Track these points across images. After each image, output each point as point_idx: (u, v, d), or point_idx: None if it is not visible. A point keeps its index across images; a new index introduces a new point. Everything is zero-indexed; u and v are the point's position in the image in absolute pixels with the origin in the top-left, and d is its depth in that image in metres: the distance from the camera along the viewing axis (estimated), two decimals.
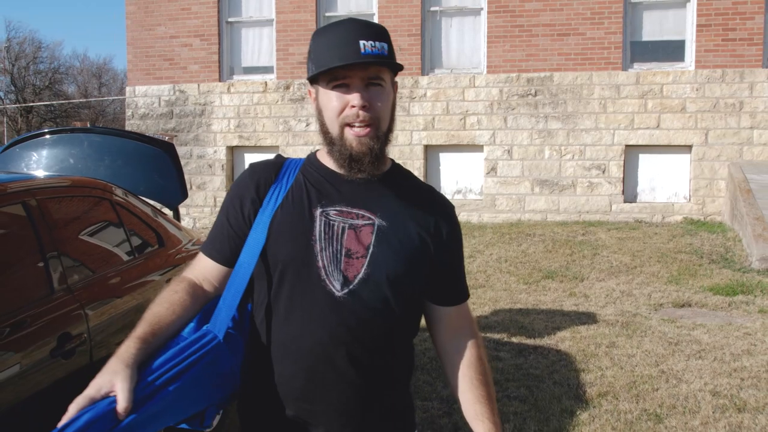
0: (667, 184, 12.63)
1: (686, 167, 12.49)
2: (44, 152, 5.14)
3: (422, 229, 1.86)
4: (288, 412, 1.83)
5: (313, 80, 1.81)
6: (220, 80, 14.25)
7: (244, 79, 14.26)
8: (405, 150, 13.31)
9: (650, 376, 5.41)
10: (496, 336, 6.53)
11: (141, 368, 1.62)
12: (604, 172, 12.61)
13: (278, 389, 1.82)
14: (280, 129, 13.83)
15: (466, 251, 9.91)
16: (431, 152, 13.41)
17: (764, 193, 10.54)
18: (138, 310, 3.68)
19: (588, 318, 7.15)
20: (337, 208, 1.82)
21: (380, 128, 1.79)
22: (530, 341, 6.37)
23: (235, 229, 1.86)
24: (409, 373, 1.97)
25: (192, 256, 4.45)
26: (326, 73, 1.74)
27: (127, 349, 1.63)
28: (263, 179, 1.88)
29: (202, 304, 1.86)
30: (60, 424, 1.48)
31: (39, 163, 5.10)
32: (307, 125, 13.69)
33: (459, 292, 1.95)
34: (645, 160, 12.68)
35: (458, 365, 1.89)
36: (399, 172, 1.95)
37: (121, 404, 1.53)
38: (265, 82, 13.95)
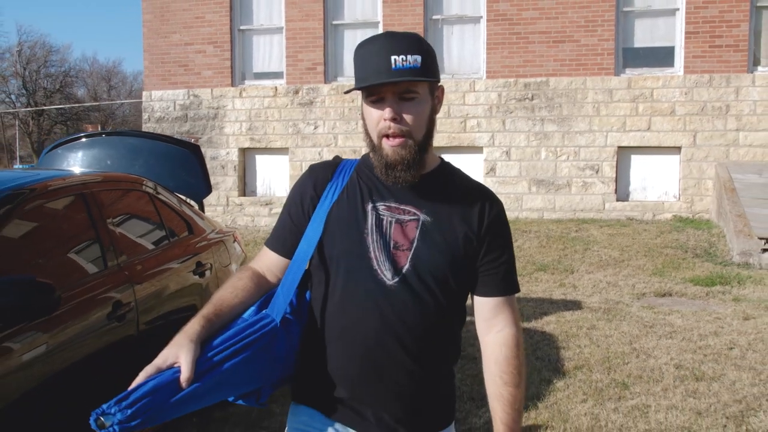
0: (657, 183, 13.21)
1: (676, 167, 13.07)
2: (84, 153, 5.80)
3: (466, 225, 1.94)
4: (341, 394, 1.93)
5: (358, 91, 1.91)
6: (232, 85, 14.88)
7: (255, 84, 14.88)
8: None
9: (623, 352, 6.04)
10: None
11: (204, 344, 1.77)
12: (597, 172, 13.20)
13: (333, 373, 1.93)
14: (290, 132, 14.46)
15: None
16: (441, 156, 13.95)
17: (747, 191, 11.12)
18: (172, 286, 4.36)
19: (574, 305, 7.78)
20: (386, 204, 1.93)
21: (414, 138, 1.87)
22: None
23: (296, 224, 2.01)
24: (455, 361, 2.07)
25: (216, 243, 5.14)
26: (364, 88, 1.86)
27: (193, 326, 1.79)
28: (321, 177, 2.02)
29: (264, 291, 2.00)
30: (130, 388, 1.64)
31: (80, 163, 5.76)
32: (315, 128, 14.33)
33: (501, 286, 1.99)
34: (636, 161, 13.25)
35: (489, 361, 1.97)
36: (447, 170, 2.04)
37: (184, 374, 1.67)
38: (275, 87, 14.57)
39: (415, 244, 1.89)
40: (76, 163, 5.76)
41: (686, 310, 7.54)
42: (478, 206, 1.96)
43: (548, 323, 7.01)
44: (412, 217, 1.92)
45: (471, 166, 13.79)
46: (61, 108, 62.66)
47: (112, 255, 3.90)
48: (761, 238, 9.80)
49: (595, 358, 5.90)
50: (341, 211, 1.95)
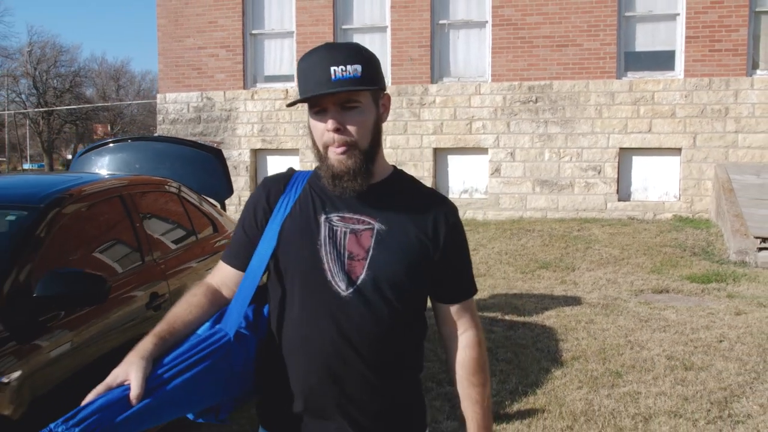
0: (658, 184, 13.57)
1: (676, 168, 13.43)
2: (113, 157, 6.22)
3: (421, 231, 1.94)
4: (303, 407, 1.92)
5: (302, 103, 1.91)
6: (244, 88, 15.30)
7: (266, 87, 15.29)
8: (415, 153, 14.33)
9: (618, 344, 6.41)
10: (491, 315, 7.54)
11: (156, 361, 1.76)
12: (599, 173, 13.57)
13: (293, 386, 1.91)
14: (300, 133, 14.86)
15: (471, 246, 10.78)
16: (440, 155, 14.38)
17: (745, 192, 11.47)
18: (200, 279, 4.75)
19: (574, 301, 8.15)
20: (340, 215, 1.93)
21: (359, 147, 1.87)
22: (520, 319, 7.38)
23: (250, 237, 2.00)
24: (418, 371, 2.05)
25: None
26: (306, 100, 1.85)
27: (144, 344, 1.78)
28: (273, 190, 2.02)
29: (219, 306, 1.98)
30: (79, 406, 1.64)
31: (109, 166, 6.17)
32: None
33: (460, 290, 2.02)
34: (638, 162, 13.61)
35: (454, 364, 2.00)
36: (400, 177, 2.04)
37: (134, 391, 1.67)
38: (286, 90, 14.96)
39: (370, 253, 1.89)
40: (106, 166, 6.17)
41: (681, 305, 7.90)
42: (432, 212, 1.97)
43: (548, 317, 7.38)
44: (367, 227, 1.92)
45: (476, 168, 14.20)
46: (71, 108, 62.96)
47: (148, 251, 4.31)
48: (757, 237, 10.15)
49: (592, 349, 6.27)
50: (294, 224, 1.94)
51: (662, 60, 13.57)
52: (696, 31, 13.13)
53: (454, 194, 14.21)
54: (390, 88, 14.26)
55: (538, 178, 13.84)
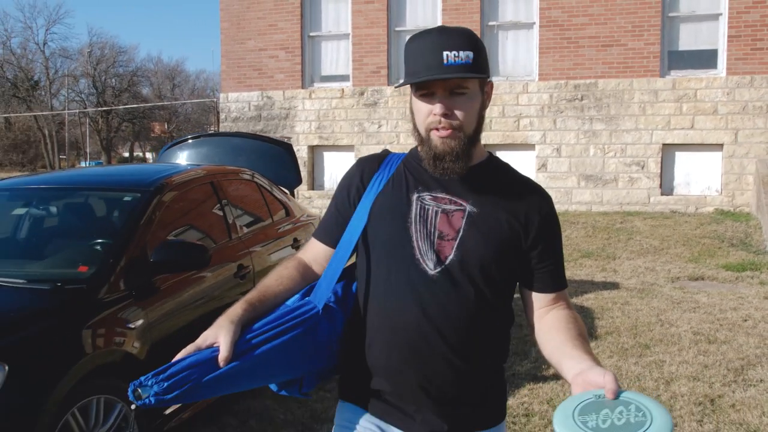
0: (700, 178, 14.01)
1: (718, 163, 13.85)
2: (194, 151, 7.01)
3: (513, 217, 1.90)
4: (384, 387, 1.92)
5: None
6: (302, 87, 16.14)
7: (323, 87, 16.10)
8: None
9: (649, 322, 7.00)
10: None
11: (245, 327, 1.80)
12: (643, 168, 14.06)
13: (376, 363, 1.92)
14: (355, 130, 15.61)
15: None
16: (489, 151, 14.96)
17: None
18: (277, 255, 5.51)
19: (612, 286, 8.73)
20: (432, 194, 1.92)
21: (464, 131, 1.85)
22: None
23: (342, 214, 2.02)
24: (502, 358, 2.03)
25: (306, 224, 6.28)
26: (414, 83, 1.84)
27: (235, 309, 1.82)
28: (367, 168, 2.03)
29: (309, 281, 2.01)
30: (170, 362, 1.69)
31: (191, 159, 6.97)
32: (379, 127, 15.46)
33: (553, 280, 1.95)
34: (680, 158, 14.06)
35: (550, 330, 1.88)
36: (495, 163, 2.02)
37: (222, 353, 1.70)
38: (342, 89, 15.75)
39: (460, 234, 1.88)
40: (187, 159, 6.97)
41: (714, 291, 8.42)
42: (526, 200, 1.94)
43: (587, 299, 7.98)
44: (458, 208, 1.90)
45: (523, 163, 14.75)
46: (129, 107, 64.46)
47: (234, 229, 5.08)
48: None
49: (625, 326, 6.87)
50: (386, 201, 1.95)
51: (705, 58, 14.00)
52: (738, 30, 13.53)
53: None
54: None
55: (583, 173, 14.38)
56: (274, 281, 1.97)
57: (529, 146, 14.78)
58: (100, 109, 62.81)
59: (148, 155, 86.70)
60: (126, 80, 69.80)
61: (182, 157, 6.95)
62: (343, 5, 15.88)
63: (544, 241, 1.93)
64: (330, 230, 2.05)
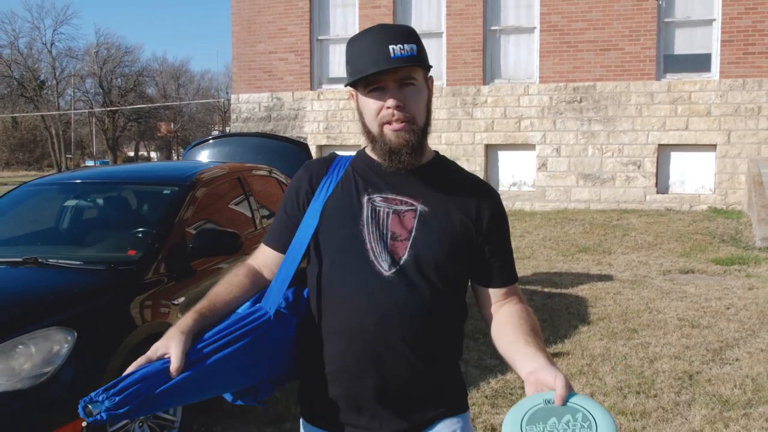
0: (694, 177, 14.56)
1: (711, 163, 14.40)
2: (216, 150, 7.56)
3: (464, 215, 1.92)
4: (342, 390, 1.91)
5: (353, 85, 1.89)
6: (311, 89, 16.71)
7: (331, 89, 16.66)
8: (468, 149, 15.53)
9: (638, 309, 7.54)
10: (532, 288, 8.71)
11: (196, 337, 1.77)
12: (639, 167, 14.60)
13: (333, 368, 1.90)
14: (362, 130, 16.13)
15: (518, 233, 12.13)
16: (491, 151, 15.56)
17: None
18: None
19: (607, 278, 9.27)
20: (383, 196, 1.91)
21: (416, 123, 1.86)
22: (557, 290, 8.54)
23: (291, 218, 1.99)
24: (458, 355, 2.03)
25: None
26: (362, 79, 1.83)
27: (185, 320, 1.80)
28: (315, 172, 2.01)
29: (260, 287, 1.98)
30: (121, 376, 1.67)
31: (213, 157, 7.52)
32: None
33: (505, 275, 1.97)
34: (675, 158, 14.62)
35: (506, 324, 1.89)
36: (443, 162, 2.03)
37: (174, 364, 1.68)
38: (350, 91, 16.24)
39: (413, 234, 1.88)
40: (210, 157, 7.52)
41: (702, 282, 8.96)
42: (476, 197, 1.96)
43: (582, 290, 8.52)
44: (410, 208, 1.90)
45: (524, 162, 15.34)
46: (135, 107, 64.80)
47: (259, 220, 5.63)
48: None
49: (616, 313, 7.41)
50: (336, 204, 1.94)
51: (699, 62, 14.56)
52: (731, 35, 14.08)
53: (503, 187, 15.41)
54: (445, 89, 15.52)
55: (582, 173, 14.92)
56: (224, 290, 1.93)
57: (530, 146, 15.33)
58: (107, 108, 63.20)
59: (153, 154, 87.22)
60: (132, 80, 70.28)
61: (205, 156, 7.50)
62: (351, 10, 16.45)
63: (495, 237, 1.96)
64: (279, 235, 2.02)
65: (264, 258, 2.04)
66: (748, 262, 10.09)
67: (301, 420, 2.06)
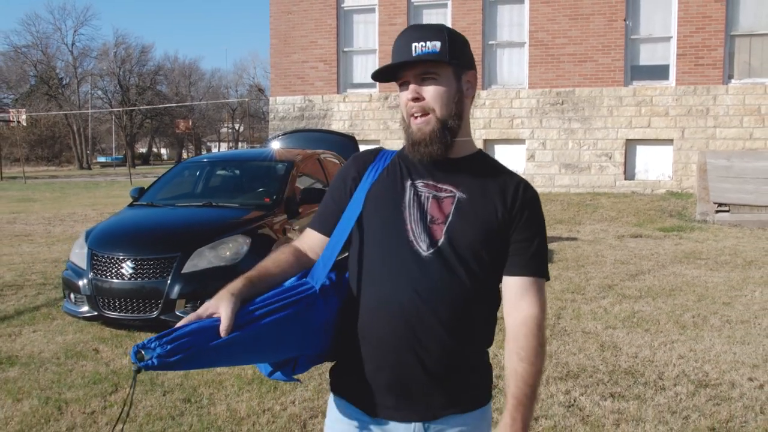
0: (655, 167, 17.46)
1: (669, 155, 17.29)
2: (288, 141, 10.62)
3: (500, 203, 1.93)
4: (379, 369, 1.92)
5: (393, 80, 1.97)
6: (337, 93, 19.58)
7: (354, 92, 19.50)
8: None
9: (588, 256, 10.54)
10: None
11: (244, 302, 1.82)
12: (610, 158, 17.52)
13: (370, 346, 1.93)
14: (381, 128, 19.10)
15: None
16: (488, 145, 18.41)
17: (715, 172, 15.26)
18: None
19: (573, 239, 12.23)
20: (425, 182, 1.96)
21: (437, 114, 1.90)
22: None
23: (338, 204, 2.04)
24: (488, 342, 2.02)
25: None
26: (390, 75, 1.95)
27: (235, 283, 1.85)
28: (362, 161, 2.08)
29: (304, 266, 2.03)
30: (174, 327, 1.71)
31: (287, 146, 10.55)
32: (400, 125, 18.84)
33: (530, 265, 1.93)
34: (640, 150, 17.52)
35: (508, 338, 1.90)
36: (485, 157, 2.05)
37: (224, 323, 1.72)
38: (371, 94, 19.19)
39: (449, 219, 1.90)
40: (283, 146, 10.56)
41: (643, 242, 11.94)
42: (512, 188, 1.95)
43: (552, 246, 11.49)
44: (449, 194, 1.93)
45: (516, 154, 18.09)
46: (150, 105, 66.47)
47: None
48: (716, 203, 14.09)
49: (572, 257, 10.42)
50: (380, 188, 1.98)
51: (659, 72, 17.37)
52: (684, 50, 16.94)
53: None
54: None
55: (563, 163, 17.80)
56: (271, 264, 1.99)
57: (521, 141, 18.17)
58: (127, 108, 64.73)
59: (163, 151, 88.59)
60: (148, 78, 72.42)
61: (278, 145, 10.54)
62: (371, 26, 19.31)
63: (528, 227, 1.93)
64: (326, 220, 2.05)
65: (310, 241, 2.08)
66: (685, 230, 13.02)
67: (330, 397, 2.10)
